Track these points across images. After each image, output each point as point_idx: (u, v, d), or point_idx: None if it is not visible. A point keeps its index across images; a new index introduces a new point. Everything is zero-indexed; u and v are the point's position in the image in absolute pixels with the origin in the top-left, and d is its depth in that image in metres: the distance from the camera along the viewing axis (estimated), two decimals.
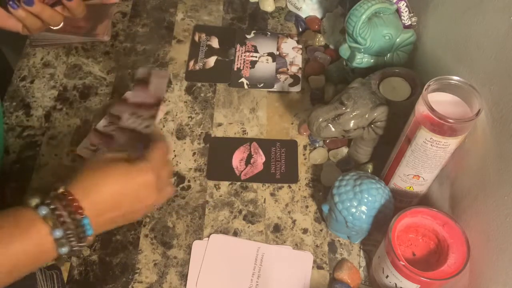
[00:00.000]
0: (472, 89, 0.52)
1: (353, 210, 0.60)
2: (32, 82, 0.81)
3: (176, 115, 0.78)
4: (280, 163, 0.74)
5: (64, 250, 0.44)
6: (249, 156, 0.74)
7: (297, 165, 0.74)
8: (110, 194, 0.48)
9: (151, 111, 0.58)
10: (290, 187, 0.72)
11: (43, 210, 0.44)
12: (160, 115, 0.77)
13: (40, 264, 0.44)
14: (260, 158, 0.73)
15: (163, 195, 0.53)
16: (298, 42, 0.87)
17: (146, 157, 0.51)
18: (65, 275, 0.64)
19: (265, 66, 0.84)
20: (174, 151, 0.75)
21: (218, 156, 0.74)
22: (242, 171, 0.72)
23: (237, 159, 0.73)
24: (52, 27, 0.63)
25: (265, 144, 0.75)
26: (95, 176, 0.48)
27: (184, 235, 0.67)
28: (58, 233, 0.43)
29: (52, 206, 0.44)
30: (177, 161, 0.74)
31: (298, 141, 0.76)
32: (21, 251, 0.42)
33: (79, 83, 0.81)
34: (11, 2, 0.57)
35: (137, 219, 0.53)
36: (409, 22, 0.68)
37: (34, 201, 0.45)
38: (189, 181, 0.72)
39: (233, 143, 0.75)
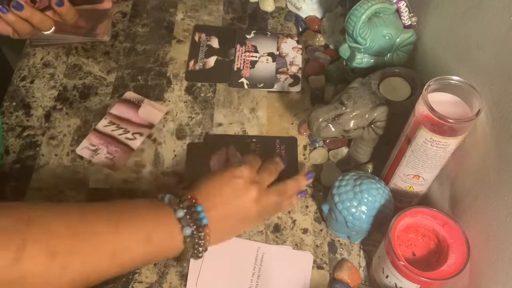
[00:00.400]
0: (472, 89, 0.52)
1: (353, 210, 0.60)
2: (32, 82, 0.81)
3: (176, 115, 0.78)
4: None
5: (187, 231, 0.52)
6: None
7: (297, 162, 0.74)
8: (210, 185, 0.58)
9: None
10: None
11: (167, 198, 0.54)
12: (159, 116, 0.77)
13: (170, 246, 0.53)
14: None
15: (269, 197, 0.60)
16: (298, 42, 0.87)
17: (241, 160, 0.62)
18: None
19: (265, 66, 0.84)
20: (174, 151, 0.75)
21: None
22: None
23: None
24: (43, 32, 0.64)
25: (265, 141, 0.75)
26: (201, 179, 0.59)
27: None
28: (180, 213, 0.53)
29: (174, 196, 0.55)
30: (177, 161, 0.74)
31: (298, 140, 0.76)
32: (154, 226, 0.51)
33: (79, 83, 0.81)
34: (0, 6, 0.57)
35: (252, 222, 0.63)
36: (409, 22, 0.68)
37: (160, 195, 0.55)
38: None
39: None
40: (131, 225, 0.50)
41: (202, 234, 0.54)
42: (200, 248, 0.54)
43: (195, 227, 0.53)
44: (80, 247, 0.47)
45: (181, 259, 0.55)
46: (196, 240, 0.53)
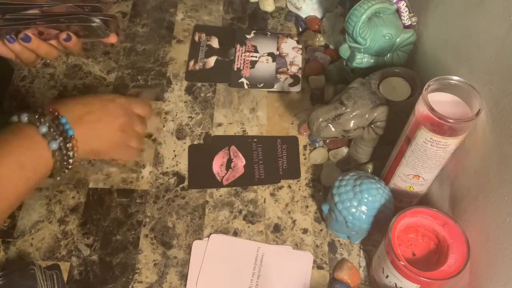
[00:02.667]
0: (472, 89, 0.52)
1: (353, 210, 0.60)
2: (32, 82, 0.81)
3: (176, 115, 0.78)
4: (281, 159, 0.74)
5: (54, 145, 0.52)
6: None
7: (298, 161, 0.74)
8: (76, 99, 0.58)
9: None
10: (290, 187, 0.72)
11: (25, 117, 0.53)
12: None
13: (43, 165, 0.53)
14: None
15: (133, 134, 0.61)
16: (298, 42, 0.87)
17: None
18: (65, 275, 0.64)
19: (265, 66, 0.84)
20: (174, 151, 0.75)
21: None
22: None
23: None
24: (47, 60, 0.66)
25: (266, 141, 0.75)
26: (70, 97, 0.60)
27: (184, 235, 0.67)
28: (44, 129, 0.52)
29: (34, 114, 0.53)
30: (177, 161, 0.74)
31: (298, 140, 0.76)
32: (22, 152, 0.51)
33: (79, 83, 0.81)
34: (8, 36, 0.57)
35: (115, 149, 0.62)
36: (409, 22, 0.68)
37: (15, 117, 0.54)
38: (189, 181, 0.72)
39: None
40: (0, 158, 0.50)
41: (70, 145, 0.54)
42: (70, 160, 0.54)
43: (61, 139, 0.53)
44: None
45: (54, 174, 0.55)
46: (64, 152, 0.53)
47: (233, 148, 0.74)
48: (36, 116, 0.53)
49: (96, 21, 0.59)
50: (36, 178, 0.53)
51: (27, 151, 0.51)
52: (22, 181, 0.51)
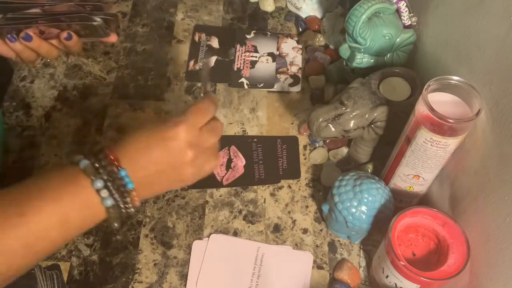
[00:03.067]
0: (472, 89, 0.52)
1: (353, 210, 0.60)
2: (32, 82, 0.81)
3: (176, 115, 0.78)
4: (281, 159, 0.74)
5: (109, 202, 0.46)
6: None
7: (298, 161, 0.74)
8: (137, 144, 0.50)
9: None
10: (290, 187, 0.72)
11: (83, 164, 0.46)
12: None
13: (92, 220, 0.47)
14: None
15: (206, 158, 0.53)
16: (298, 42, 0.87)
17: (181, 114, 0.53)
18: (65, 275, 0.64)
19: (265, 66, 0.84)
20: None
21: None
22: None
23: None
24: (47, 60, 0.64)
25: (266, 141, 0.75)
26: (127, 134, 0.51)
27: (184, 235, 0.67)
28: (99, 184, 0.46)
29: (91, 160, 0.47)
30: None
31: (298, 140, 0.76)
32: (69, 205, 0.45)
33: (79, 83, 0.81)
34: (9, 36, 0.57)
35: (184, 182, 0.54)
36: (409, 22, 0.68)
37: (76, 158, 0.47)
38: None
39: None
40: (40, 212, 0.44)
41: (128, 199, 0.48)
42: (129, 210, 0.48)
43: (118, 194, 0.47)
44: None
45: (110, 223, 0.49)
46: (122, 206, 0.47)
47: (233, 148, 0.74)
48: (96, 166, 0.47)
49: (97, 20, 0.59)
50: (81, 231, 0.47)
51: (75, 207, 0.45)
52: (61, 238, 0.46)
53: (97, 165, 0.47)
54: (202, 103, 0.56)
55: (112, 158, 0.48)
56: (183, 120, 0.52)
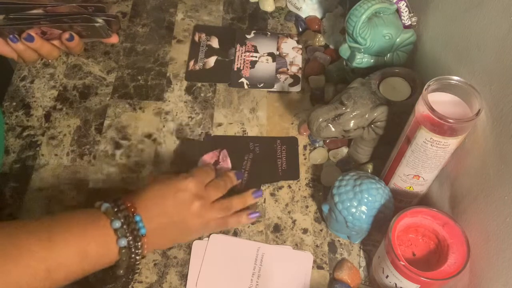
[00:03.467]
0: (472, 89, 0.52)
1: (353, 210, 0.60)
2: (32, 82, 0.81)
3: (176, 115, 0.78)
4: (281, 160, 0.73)
5: (123, 243, 0.52)
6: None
7: (298, 161, 0.74)
8: (152, 194, 0.57)
9: None
10: (290, 187, 0.72)
11: (104, 207, 0.53)
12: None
13: (106, 259, 0.53)
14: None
15: (211, 212, 0.61)
16: (298, 42, 0.87)
17: (189, 171, 0.62)
18: None
19: (265, 66, 0.84)
20: (174, 151, 0.75)
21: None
22: None
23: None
24: (48, 60, 0.65)
25: (266, 142, 0.75)
26: (145, 186, 0.58)
27: None
28: (117, 224, 0.52)
29: (111, 204, 0.54)
30: (176, 162, 0.74)
31: (298, 140, 0.76)
32: (90, 240, 0.51)
33: (79, 83, 0.81)
34: (11, 36, 0.57)
35: (192, 234, 0.62)
36: (409, 22, 0.68)
37: (97, 203, 0.54)
38: None
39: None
40: (64, 241, 0.49)
41: (139, 244, 0.53)
42: (137, 257, 0.54)
43: (131, 237, 0.53)
44: (12, 267, 0.46)
45: (117, 267, 0.54)
46: (133, 250, 0.53)
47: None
48: (115, 209, 0.53)
49: (99, 21, 0.59)
50: (96, 268, 0.53)
51: (94, 241, 0.51)
52: (80, 271, 0.51)
53: (116, 209, 0.53)
54: (205, 166, 0.65)
55: (129, 204, 0.54)
56: (191, 174, 0.60)
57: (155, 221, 0.55)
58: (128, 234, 0.52)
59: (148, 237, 0.54)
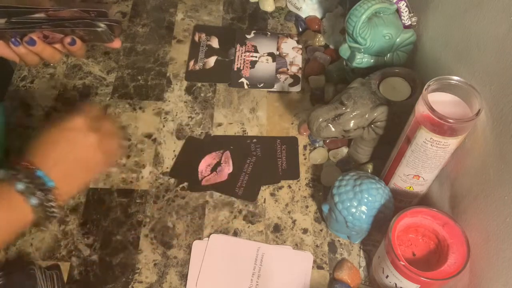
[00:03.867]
0: (472, 89, 0.52)
1: (353, 210, 0.60)
2: (32, 82, 0.81)
3: (176, 115, 0.78)
4: (281, 160, 0.73)
5: (34, 201, 0.49)
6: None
7: (298, 161, 0.74)
8: (45, 145, 0.54)
9: None
10: (290, 187, 0.72)
11: (1, 174, 0.50)
12: None
13: (20, 222, 0.51)
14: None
15: (111, 141, 0.58)
16: (298, 42, 0.87)
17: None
18: (65, 275, 0.64)
19: (265, 66, 0.84)
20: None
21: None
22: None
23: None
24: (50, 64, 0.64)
25: (266, 142, 0.75)
26: (34, 140, 0.55)
27: (184, 235, 0.67)
28: (20, 186, 0.49)
29: (7, 169, 0.50)
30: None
31: (298, 140, 0.76)
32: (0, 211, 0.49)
33: (79, 83, 0.81)
34: (13, 39, 0.57)
35: (100, 165, 0.58)
36: (409, 22, 0.68)
37: None
38: None
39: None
40: None
41: (51, 196, 0.51)
42: (54, 210, 0.52)
43: (41, 192, 0.50)
44: None
45: (38, 225, 0.53)
46: (46, 204, 0.51)
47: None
48: (13, 173, 0.50)
49: (102, 26, 0.59)
50: (12, 233, 0.51)
51: (2, 210, 0.49)
52: None
53: (13, 172, 0.50)
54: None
55: (25, 163, 0.51)
56: (78, 114, 0.57)
57: (58, 168, 0.53)
58: (36, 191, 0.50)
59: (58, 186, 0.52)
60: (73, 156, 0.55)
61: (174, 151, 0.75)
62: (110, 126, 0.59)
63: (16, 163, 0.51)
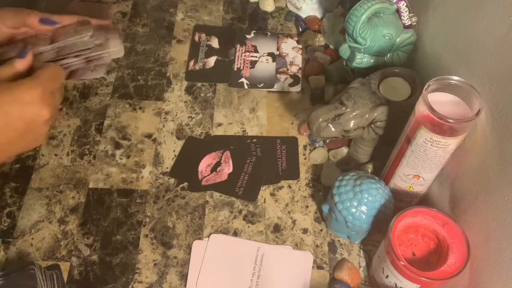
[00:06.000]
0: (472, 89, 0.52)
1: (353, 210, 0.60)
2: None
3: (176, 115, 0.78)
4: (281, 160, 0.73)
5: None
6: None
7: (298, 161, 0.74)
8: None
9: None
10: (290, 187, 0.72)
11: None
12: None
13: None
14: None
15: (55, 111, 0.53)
16: (298, 42, 0.87)
17: (34, 74, 0.52)
18: (65, 275, 0.64)
19: (265, 66, 0.84)
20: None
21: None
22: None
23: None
24: None
25: (266, 142, 0.75)
26: None
27: (184, 235, 0.67)
28: None
29: None
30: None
31: (298, 140, 0.76)
32: None
33: (79, 83, 0.81)
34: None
35: (38, 142, 0.54)
36: (409, 22, 0.68)
37: None
38: None
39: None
40: None
41: None
42: None
43: None
44: None
45: None
46: None
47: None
48: None
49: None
50: None
51: None
52: None
53: None
54: (54, 68, 0.54)
55: None
56: (38, 84, 0.51)
57: None
58: None
59: None
60: (19, 128, 0.50)
61: (174, 151, 0.75)
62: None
63: None
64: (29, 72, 0.54)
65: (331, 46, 0.85)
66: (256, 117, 0.78)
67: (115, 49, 0.66)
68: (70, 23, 0.63)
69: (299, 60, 0.85)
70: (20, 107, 0.49)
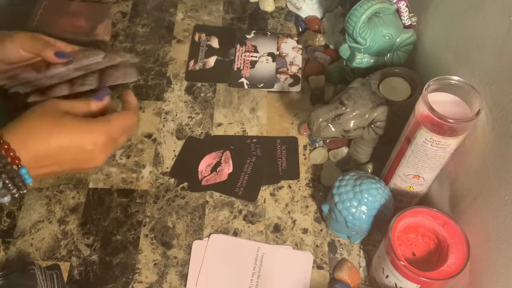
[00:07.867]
0: (472, 89, 0.52)
1: (353, 210, 0.60)
2: None
3: (176, 115, 0.78)
4: (281, 160, 0.73)
5: (6, 199, 0.46)
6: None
7: (298, 161, 0.74)
8: (51, 148, 0.47)
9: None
10: (290, 187, 0.72)
11: None
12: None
13: None
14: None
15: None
16: (298, 42, 0.87)
17: (108, 117, 0.51)
18: (65, 275, 0.64)
19: (265, 66, 0.84)
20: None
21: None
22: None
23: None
24: None
25: (266, 142, 0.75)
26: (40, 125, 0.47)
27: (184, 235, 0.67)
28: None
29: None
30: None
31: (298, 140, 0.76)
32: None
33: None
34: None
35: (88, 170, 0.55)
36: (409, 22, 0.68)
37: None
38: None
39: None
40: None
41: (23, 192, 0.47)
42: (16, 192, 0.47)
43: (15, 190, 0.46)
44: None
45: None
46: (16, 197, 0.47)
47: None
48: None
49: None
50: None
51: None
52: None
53: None
54: (130, 119, 0.54)
55: (12, 156, 0.45)
56: (107, 131, 0.50)
57: (43, 170, 0.48)
58: (12, 189, 0.46)
59: (33, 183, 0.48)
60: (68, 168, 0.49)
61: (174, 151, 0.75)
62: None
63: (4, 151, 0.45)
64: (103, 112, 0.54)
65: (331, 46, 0.85)
66: (256, 117, 0.78)
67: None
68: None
69: (299, 60, 0.85)
70: (79, 148, 0.49)
